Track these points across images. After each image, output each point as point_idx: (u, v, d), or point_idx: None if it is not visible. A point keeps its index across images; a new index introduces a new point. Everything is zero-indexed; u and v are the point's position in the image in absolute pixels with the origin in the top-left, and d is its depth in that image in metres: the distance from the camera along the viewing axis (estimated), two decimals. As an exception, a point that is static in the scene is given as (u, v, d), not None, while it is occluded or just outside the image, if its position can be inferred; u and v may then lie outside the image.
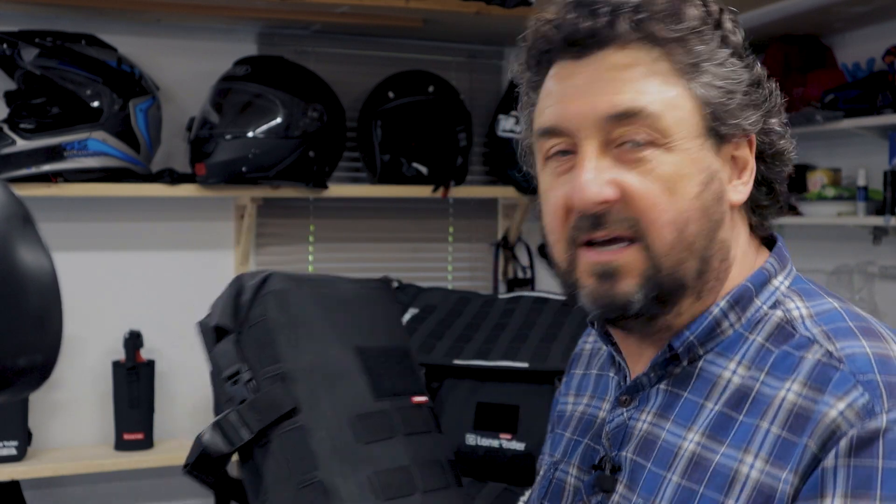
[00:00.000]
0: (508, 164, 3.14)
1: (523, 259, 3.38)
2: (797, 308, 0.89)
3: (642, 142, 0.86)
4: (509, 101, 3.17)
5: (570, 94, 0.89)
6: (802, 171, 3.07)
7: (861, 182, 2.83)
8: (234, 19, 2.88)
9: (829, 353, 0.83)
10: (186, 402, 2.91)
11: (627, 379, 0.97)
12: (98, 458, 2.71)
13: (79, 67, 2.56)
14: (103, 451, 2.75)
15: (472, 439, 1.72)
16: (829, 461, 0.78)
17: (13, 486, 2.64)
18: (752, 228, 0.95)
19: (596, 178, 0.86)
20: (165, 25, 2.88)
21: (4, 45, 2.51)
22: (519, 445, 1.69)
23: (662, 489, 0.86)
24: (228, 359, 0.93)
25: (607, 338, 0.99)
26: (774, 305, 0.90)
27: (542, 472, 1.06)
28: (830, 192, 2.92)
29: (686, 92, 0.87)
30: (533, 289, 3.31)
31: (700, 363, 0.90)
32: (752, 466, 0.81)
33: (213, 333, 0.96)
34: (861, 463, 0.77)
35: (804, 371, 0.83)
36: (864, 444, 0.77)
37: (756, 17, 2.82)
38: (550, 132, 0.91)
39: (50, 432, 2.79)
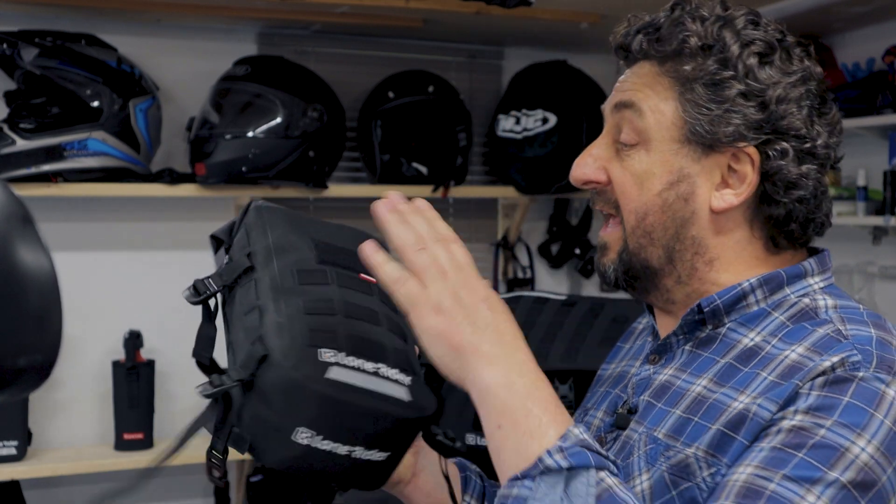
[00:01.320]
0: (508, 164, 3.14)
1: (523, 259, 3.38)
2: (824, 300, 1.00)
3: (629, 142, 1.02)
4: (509, 101, 3.17)
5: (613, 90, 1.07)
6: (802, 171, 3.07)
7: (861, 182, 2.83)
8: (234, 19, 2.88)
9: (839, 331, 0.94)
10: (186, 402, 2.91)
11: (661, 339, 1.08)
12: (98, 458, 2.71)
13: (79, 67, 2.56)
14: (103, 451, 2.76)
15: (471, 439, 1.72)
16: (804, 388, 0.89)
17: (13, 486, 2.64)
18: (775, 241, 1.03)
19: (589, 162, 1.04)
20: (165, 25, 2.88)
21: (4, 45, 2.51)
22: (519, 445, 1.69)
23: (665, 420, 0.98)
24: (218, 260, 1.09)
25: (650, 308, 1.12)
26: (803, 296, 1.01)
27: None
28: (830, 192, 2.92)
29: (675, 102, 1.00)
30: (533, 289, 3.31)
31: (723, 329, 1.01)
32: (742, 402, 0.92)
33: (214, 242, 1.14)
34: (830, 393, 0.88)
35: (812, 339, 0.94)
36: (839, 381, 0.88)
37: (756, 17, 2.82)
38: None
39: (50, 432, 2.79)
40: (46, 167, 2.53)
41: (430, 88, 3.03)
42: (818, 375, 0.89)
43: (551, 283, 3.44)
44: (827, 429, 0.85)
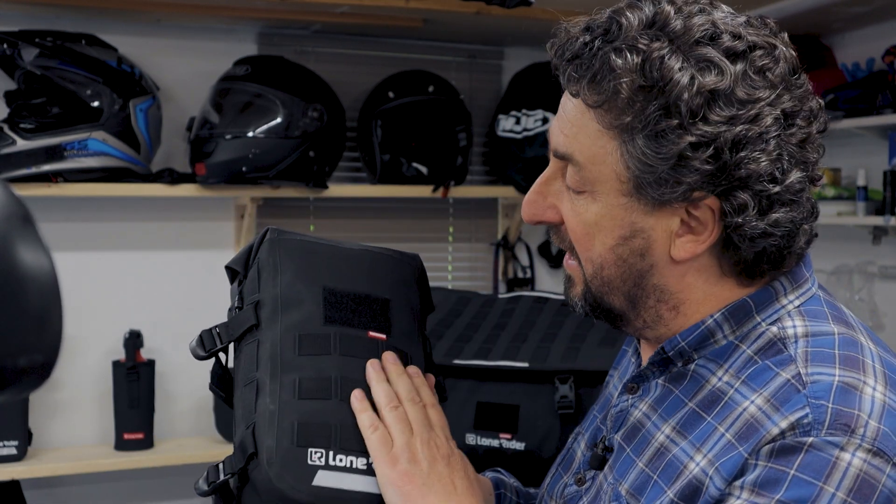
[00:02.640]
0: (508, 164, 3.14)
1: (523, 259, 3.38)
2: (794, 326, 0.90)
3: (575, 189, 0.92)
4: (509, 101, 3.17)
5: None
6: (802, 170, 3.08)
7: (861, 182, 2.83)
8: (234, 19, 2.88)
9: (799, 375, 0.84)
10: (186, 402, 2.92)
11: (640, 367, 1.03)
12: (98, 458, 2.71)
13: (79, 67, 2.56)
14: (103, 451, 2.76)
15: (471, 439, 1.72)
16: (751, 459, 0.82)
17: (13, 486, 2.64)
18: (749, 273, 0.92)
19: (539, 201, 0.96)
20: (165, 25, 2.88)
21: (4, 45, 2.51)
22: (519, 445, 1.69)
23: (630, 472, 0.93)
24: (233, 294, 1.07)
25: None
26: (774, 322, 0.91)
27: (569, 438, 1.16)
28: (830, 191, 2.92)
29: (615, 151, 0.88)
30: (533, 289, 3.31)
31: (693, 366, 0.94)
32: (697, 464, 0.86)
33: (230, 273, 1.12)
34: (777, 465, 0.80)
35: (772, 388, 0.85)
36: (785, 451, 0.80)
37: (756, 17, 2.82)
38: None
39: (50, 432, 2.79)
40: (46, 167, 2.53)
41: (431, 88, 3.03)
42: (767, 443, 0.81)
43: (551, 283, 3.44)
44: None
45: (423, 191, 2.99)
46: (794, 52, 0.90)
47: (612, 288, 0.94)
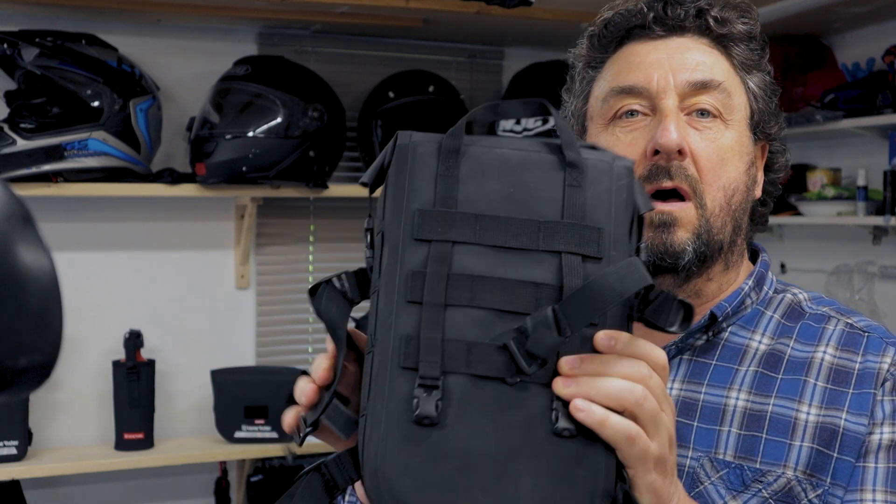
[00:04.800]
0: (508, 164, 3.14)
1: (523, 259, 3.38)
2: (800, 292, 1.03)
3: (711, 112, 0.96)
4: (509, 100, 3.17)
5: (652, 62, 0.98)
6: (802, 170, 3.07)
7: (861, 182, 2.83)
8: (234, 19, 2.88)
9: (851, 325, 0.98)
10: (186, 401, 2.92)
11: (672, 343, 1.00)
12: (98, 457, 2.71)
13: (79, 67, 2.56)
14: (103, 451, 2.76)
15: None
16: (878, 396, 0.92)
17: (13, 486, 2.64)
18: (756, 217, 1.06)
19: (681, 126, 0.95)
20: (165, 25, 2.88)
21: (4, 45, 2.51)
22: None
23: (723, 441, 0.93)
24: (379, 211, 0.78)
25: None
26: (778, 291, 1.03)
27: None
28: (830, 191, 2.92)
29: (743, 86, 0.99)
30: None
31: (725, 334, 0.99)
32: (808, 413, 0.92)
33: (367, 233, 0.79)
34: None
35: (833, 338, 0.96)
36: None
37: (756, 17, 2.82)
38: (630, 91, 0.98)
39: (50, 432, 2.79)
40: (47, 167, 2.53)
41: (431, 88, 3.03)
42: (884, 381, 0.93)
43: (551, 283, 3.44)
44: None
45: (423, 191, 2.99)
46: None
47: (734, 219, 0.98)
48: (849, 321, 0.98)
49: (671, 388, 0.97)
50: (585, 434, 0.67)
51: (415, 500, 0.66)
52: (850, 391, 0.93)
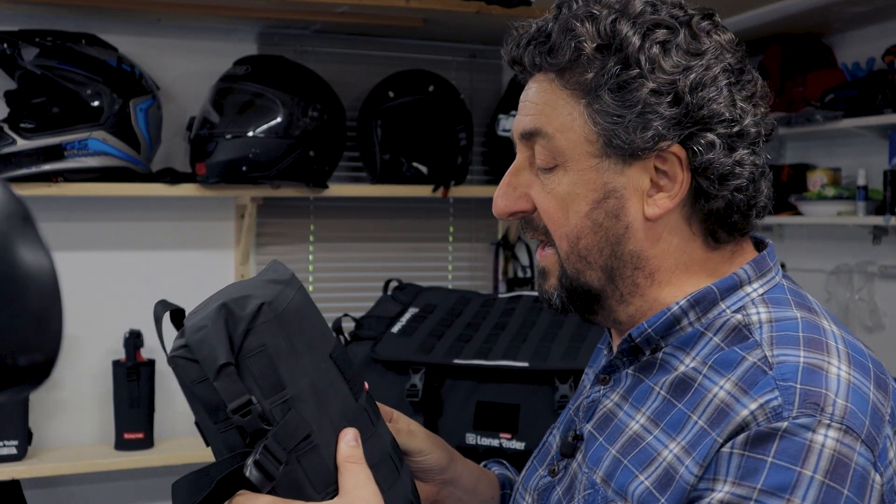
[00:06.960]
0: (508, 164, 3.14)
1: (523, 259, 3.38)
2: (758, 313, 0.92)
3: (546, 166, 0.95)
4: (509, 100, 3.17)
5: (519, 108, 1.01)
6: (802, 170, 3.08)
7: (861, 182, 2.83)
8: (234, 19, 2.88)
9: (765, 358, 0.86)
10: (186, 401, 2.91)
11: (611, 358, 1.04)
12: (98, 457, 2.71)
13: (79, 67, 2.56)
14: (103, 451, 2.76)
15: (471, 439, 1.72)
16: (726, 449, 0.83)
17: (13, 486, 2.64)
18: (715, 236, 0.96)
19: (510, 192, 0.99)
20: (165, 25, 2.88)
21: (4, 45, 2.51)
22: (519, 445, 1.69)
23: (604, 461, 0.94)
24: (234, 391, 0.88)
25: None
26: (738, 310, 0.93)
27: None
28: (830, 191, 2.92)
29: (582, 113, 0.93)
30: (533, 288, 3.31)
31: (660, 354, 0.96)
32: (671, 451, 0.88)
33: (195, 365, 0.92)
34: (752, 453, 0.81)
35: (739, 372, 0.87)
36: (761, 440, 0.81)
37: (756, 17, 2.82)
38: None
39: (50, 432, 2.79)
40: (47, 167, 2.53)
41: (431, 88, 3.03)
42: (738, 431, 0.82)
43: (551, 283, 3.44)
44: (754, 500, 0.79)
45: (424, 190, 2.99)
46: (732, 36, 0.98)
47: (590, 261, 0.95)
48: (767, 353, 0.87)
49: (611, 400, 0.99)
50: None
51: None
52: (714, 434, 0.84)
